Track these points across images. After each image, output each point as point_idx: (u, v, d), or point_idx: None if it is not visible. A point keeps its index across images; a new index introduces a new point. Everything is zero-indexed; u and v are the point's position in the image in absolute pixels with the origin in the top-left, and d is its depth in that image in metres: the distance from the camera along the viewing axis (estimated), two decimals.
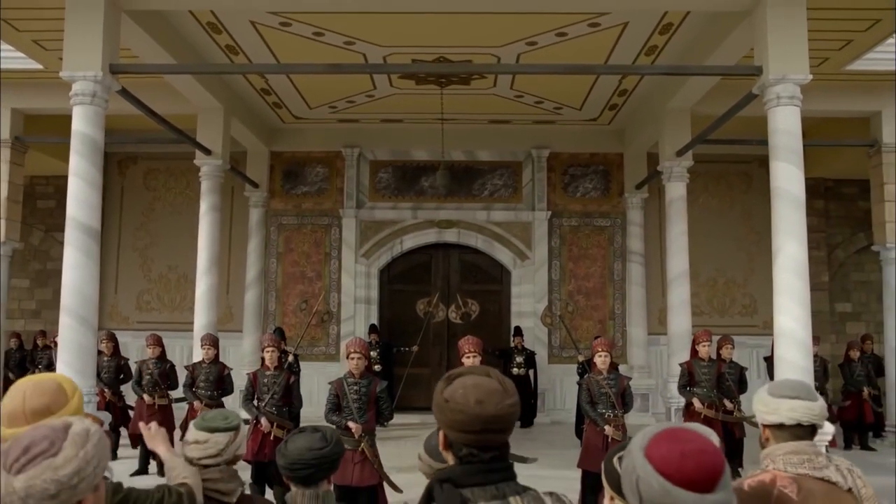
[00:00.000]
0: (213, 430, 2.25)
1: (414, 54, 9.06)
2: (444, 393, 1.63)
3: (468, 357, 5.32)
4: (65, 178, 12.20)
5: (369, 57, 9.11)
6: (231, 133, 10.50)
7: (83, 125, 6.60)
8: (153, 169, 12.66)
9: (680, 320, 9.63)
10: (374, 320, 12.10)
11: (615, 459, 1.82)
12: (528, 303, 12.14)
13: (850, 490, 2.15)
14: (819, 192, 12.53)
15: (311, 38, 8.51)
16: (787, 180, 6.57)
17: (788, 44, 6.65)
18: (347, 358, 5.37)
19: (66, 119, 10.24)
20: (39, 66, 9.21)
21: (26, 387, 1.82)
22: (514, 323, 11.94)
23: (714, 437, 1.85)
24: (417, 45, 8.76)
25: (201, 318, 9.65)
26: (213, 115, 9.93)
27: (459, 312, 10.94)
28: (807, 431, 2.22)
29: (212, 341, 7.29)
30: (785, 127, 6.65)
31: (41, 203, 13.00)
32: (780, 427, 2.20)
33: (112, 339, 8.69)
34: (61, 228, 12.54)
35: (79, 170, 6.56)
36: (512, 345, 11.40)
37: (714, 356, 7.81)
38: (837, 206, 12.62)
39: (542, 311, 11.13)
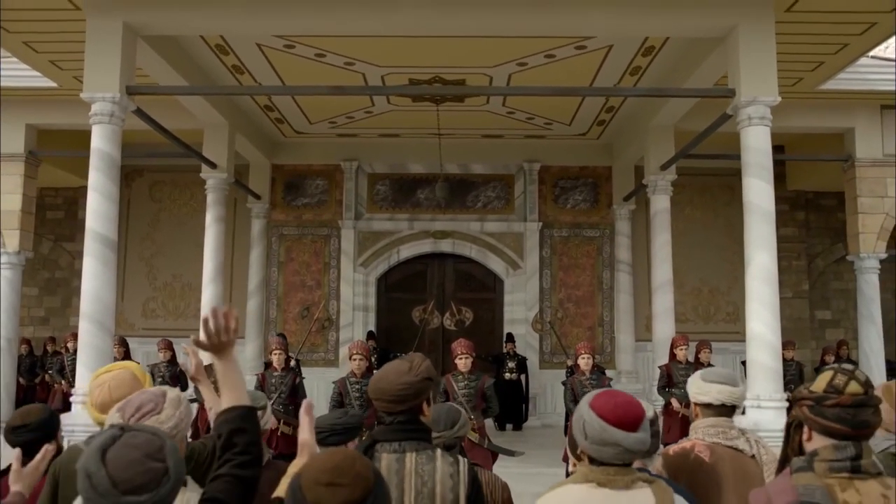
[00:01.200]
0: None
1: (410, 73, 9.56)
2: (377, 373, 2.25)
3: (461, 358, 5.80)
4: (73, 189, 12.85)
5: (368, 76, 9.60)
6: (235, 147, 10.96)
7: (102, 143, 7.05)
8: (158, 181, 13.09)
9: (664, 327, 10.06)
10: (372, 327, 12.55)
11: None
12: (520, 310, 12.60)
13: (753, 456, 2.71)
14: (800, 204, 13.05)
15: (314, 58, 8.99)
16: (758, 195, 7.04)
17: (758, 68, 7.13)
18: (350, 359, 5.84)
19: (75, 133, 10.81)
20: (54, 84, 9.67)
21: (108, 380, 2.25)
22: (506, 330, 12.41)
23: (650, 408, 2.38)
24: (414, 65, 9.25)
25: None
26: (219, 131, 10.41)
27: (454, 319, 11.41)
28: (728, 410, 2.78)
29: None
30: (756, 145, 7.12)
31: (50, 214, 13.42)
32: (707, 406, 2.73)
33: (123, 344, 9.13)
34: (69, 238, 13.16)
35: (97, 184, 6.99)
36: (504, 351, 11.86)
37: (692, 359, 8.29)
38: (817, 217, 13.11)
39: (532, 318, 11.60)
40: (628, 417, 1.90)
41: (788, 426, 1.95)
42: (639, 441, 1.89)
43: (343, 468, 1.39)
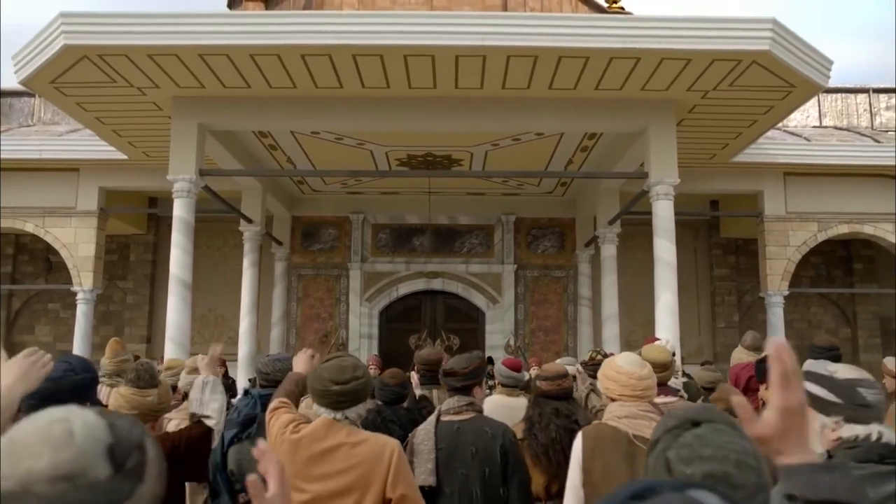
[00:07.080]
0: None
1: (408, 150, 12.11)
2: (419, 351, 4.78)
3: None
4: (125, 236, 15.43)
5: (375, 152, 12.16)
6: (266, 205, 13.48)
7: (182, 212, 9.53)
8: (196, 229, 15.43)
9: (611, 350, 12.46)
10: (375, 352, 14.93)
11: None
12: (499, 338, 15.00)
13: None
14: (731, 249, 15.56)
15: (333, 140, 11.55)
16: (664, 251, 9.49)
17: (664, 157, 9.59)
18: None
19: (132, 193, 13.34)
20: (125, 157, 12.20)
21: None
22: (487, 354, 14.80)
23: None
24: (411, 144, 11.78)
25: (243, 349, 12.52)
26: (254, 193, 12.93)
27: (444, 346, 13.83)
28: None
29: None
30: (663, 214, 9.57)
31: (106, 257, 15.81)
32: None
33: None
34: (121, 277, 15.69)
35: (178, 242, 9.47)
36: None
37: None
38: (746, 260, 15.58)
39: (505, 342, 14.07)
40: (514, 365, 4.43)
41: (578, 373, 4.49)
42: (522, 376, 4.43)
43: (345, 366, 3.94)
